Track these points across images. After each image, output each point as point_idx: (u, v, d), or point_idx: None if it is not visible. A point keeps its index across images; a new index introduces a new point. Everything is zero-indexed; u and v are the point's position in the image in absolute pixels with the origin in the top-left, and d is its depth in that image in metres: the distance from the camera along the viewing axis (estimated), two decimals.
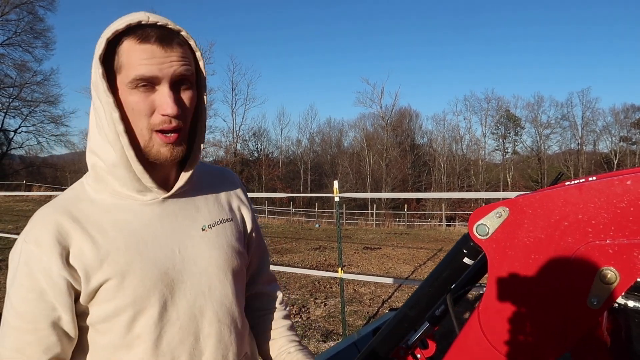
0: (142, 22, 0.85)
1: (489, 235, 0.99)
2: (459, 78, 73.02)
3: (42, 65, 42.14)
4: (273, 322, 1.16)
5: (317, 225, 21.15)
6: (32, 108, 38.33)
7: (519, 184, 44.38)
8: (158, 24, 0.86)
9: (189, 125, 0.94)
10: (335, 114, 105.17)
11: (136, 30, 0.85)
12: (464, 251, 1.07)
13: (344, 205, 30.01)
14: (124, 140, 0.86)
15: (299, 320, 5.18)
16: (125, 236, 0.89)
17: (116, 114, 0.85)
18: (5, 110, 37.76)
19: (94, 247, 0.86)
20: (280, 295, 1.21)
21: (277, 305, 1.19)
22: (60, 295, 0.85)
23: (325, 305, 5.78)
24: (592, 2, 65.13)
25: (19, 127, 38.60)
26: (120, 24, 0.85)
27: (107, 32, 0.85)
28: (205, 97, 0.98)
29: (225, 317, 0.98)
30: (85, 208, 0.89)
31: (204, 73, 0.96)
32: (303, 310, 5.57)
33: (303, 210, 32.38)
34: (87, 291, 0.86)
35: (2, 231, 10.68)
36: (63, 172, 44.69)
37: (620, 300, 0.92)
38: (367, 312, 5.47)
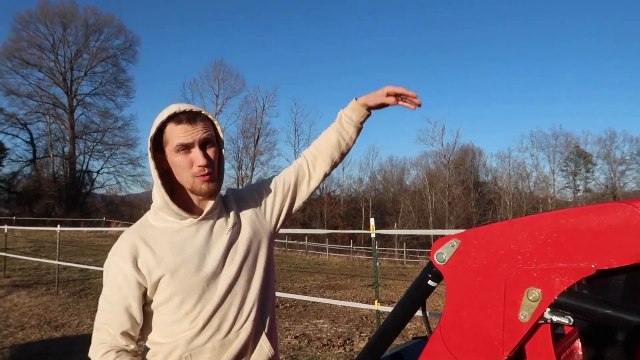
0: (176, 112, 1.31)
1: (446, 262, 1.21)
2: (523, 114, 70.70)
3: (123, 112, 45.98)
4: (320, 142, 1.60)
5: (377, 264, 20.93)
6: (113, 151, 41.89)
7: None
8: (186, 110, 1.32)
9: (217, 169, 1.38)
10: (397, 153, 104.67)
11: (173, 117, 1.32)
12: (429, 275, 1.28)
13: (405, 244, 29.55)
14: (162, 191, 1.33)
15: (342, 351, 5.36)
16: (173, 247, 1.34)
17: (155, 173, 1.33)
18: (90, 154, 41.49)
19: (153, 255, 1.32)
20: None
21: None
22: (132, 289, 1.30)
23: (369, 338, 5.84)
24: None
25: (101, 168, 42.23)
26: (163, 115, 1.32)
27: (157, 122, 1.32)
28: (223, 150, 1.44)
29: (246, 295, 1.39)
30: (148, 231, 1.37)
31: (221, 134, 1.43)
32: (347, 342, 5.73)
33: (364, 249, 32.14)
34: (150, 283, 1.31)
35: (84, 264, 11.68)
36: (139, 209, 47.15)
37: (547, 315, 1.10)
38: None
